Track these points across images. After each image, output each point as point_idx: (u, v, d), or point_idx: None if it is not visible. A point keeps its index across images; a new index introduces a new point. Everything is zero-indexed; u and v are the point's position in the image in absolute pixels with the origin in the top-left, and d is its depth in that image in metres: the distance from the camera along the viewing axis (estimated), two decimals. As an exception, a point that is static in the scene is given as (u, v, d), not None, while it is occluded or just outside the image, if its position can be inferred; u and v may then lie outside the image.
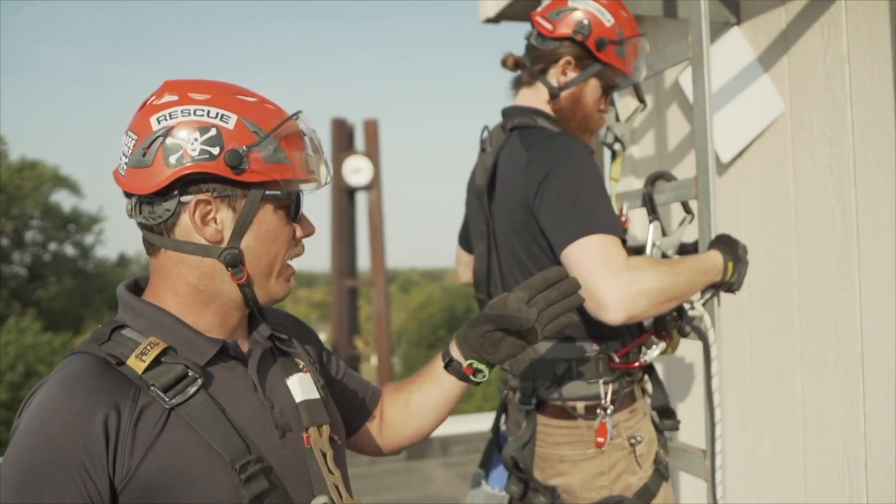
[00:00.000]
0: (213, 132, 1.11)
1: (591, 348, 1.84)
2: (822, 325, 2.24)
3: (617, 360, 1.84)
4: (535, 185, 1.76)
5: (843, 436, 2.16)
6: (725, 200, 2.63)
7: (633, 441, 1.84)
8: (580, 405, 1.84)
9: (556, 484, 1.88)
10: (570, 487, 1.86)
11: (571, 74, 1.93)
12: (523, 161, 1.81)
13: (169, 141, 1.10)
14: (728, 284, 1.86)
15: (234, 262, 1.15)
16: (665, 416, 1.96)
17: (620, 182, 2.22)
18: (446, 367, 1.40)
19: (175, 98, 1.13)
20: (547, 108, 1.95)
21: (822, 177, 2.23)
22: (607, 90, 1.98)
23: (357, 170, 19.34)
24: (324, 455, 1.20)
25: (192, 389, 1.11)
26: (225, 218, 1.14)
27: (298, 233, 1.23)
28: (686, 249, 2.00)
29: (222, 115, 1.13)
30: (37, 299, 27.81)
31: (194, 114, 1.12)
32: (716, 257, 1.82)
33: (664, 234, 2.00)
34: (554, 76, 1.94)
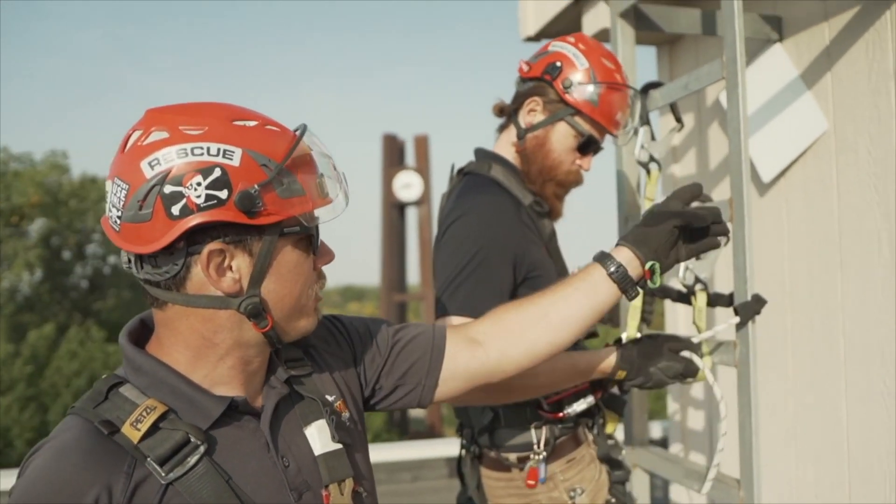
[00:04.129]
0: (217, 173, 0.96)
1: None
2: (867, 351, 2.15)
3: (546, 407, 1.79)
4: (438, 242, 1.81)
5: (891, 468, 2.06)
6: (768, 221, 2.56)
7: (572, 494, 1.80)
8: (512, 456, 1.82)
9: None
10: None
11: (539, 116, 1.86)
12: (446, 213, 1.83)
13: (167, 189, 0.95)
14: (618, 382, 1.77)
15: (257, 312, 1.04)
16: (613, 466, 1.90)
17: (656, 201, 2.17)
18: (611, 274, 1.32)
19: (165, 135, 0.98)
20: (512, 152, 1.91)
21: (866, 198, 2.15)
22: (586, 145, 1.85)
23: (407, 185, 19.47)
24: None
25: (193, 459, 0.99)
26: (241, 264, 1.02)
27: (319, 263, 1.13)
28: (720, 299, 1.94)
29: (224, 151, 0.98)
30: (97, 310, 28.64)
31: (192, 153, 0.96)
32: (604, 358, 1.71)
33: (697, 258, 1.95)
34: (522, 117, 1.89)
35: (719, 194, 2.57)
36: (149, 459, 0.97)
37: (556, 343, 1.35)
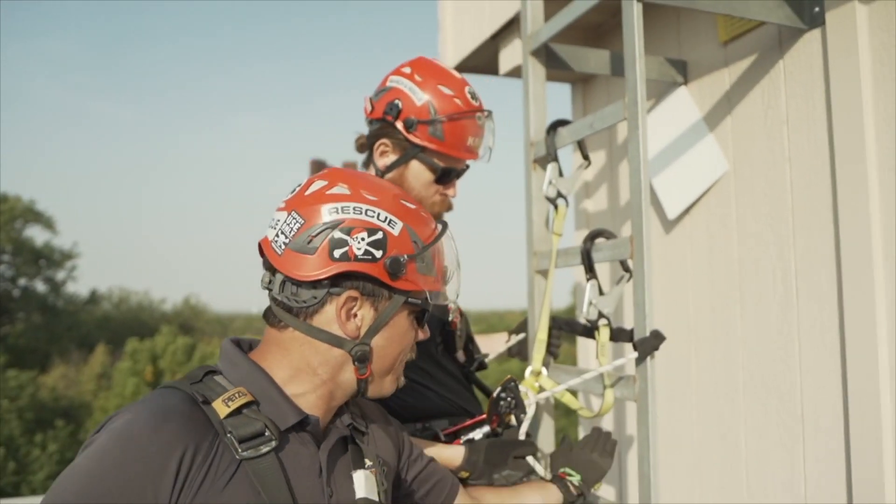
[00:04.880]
0: (379, 235, 1.16)
1: (416, 426, 1.81)
2: (764, 384, 2.23)
3: (443, 438, 1.80)
4: None
5: (785, 498, 2.13)
6: (673, 258, 2.63)
7: None
8: None
9: None
10: None
11: (391, 157, 1.85)
12: None
13: (337, 234, 1.14)
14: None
15: (364, 358, 1.19)
16: None
17: (563, 238, 2.21)
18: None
19: (347, 192, 1.18)
20: None
21: (763, 237, 2.24)
22: (444, 175, 1.85)
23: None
24: None
25: (265, 449, 1.12)
26: (366, 315, 1.18)
27: (420, 336, 1.28)
28: (622, 334, 1.97)
29: (390, 220, 1.18)
30: (3, 335, 27.29)
31: (366, 213, 1.16)
32: (450, 455, 1.74)
33: (601, 293, 1.99)
34: (376, 158, 1.87)
35: (628, 230, 2.63)
36: (230, 435, 1.10)
37: None
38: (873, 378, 1.83)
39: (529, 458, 1.75)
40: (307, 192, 1.19)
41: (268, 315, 1.22)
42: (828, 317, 2.01)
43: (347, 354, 1.19)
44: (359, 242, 1.14)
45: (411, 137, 1.81)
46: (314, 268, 1.14)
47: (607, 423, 3.03)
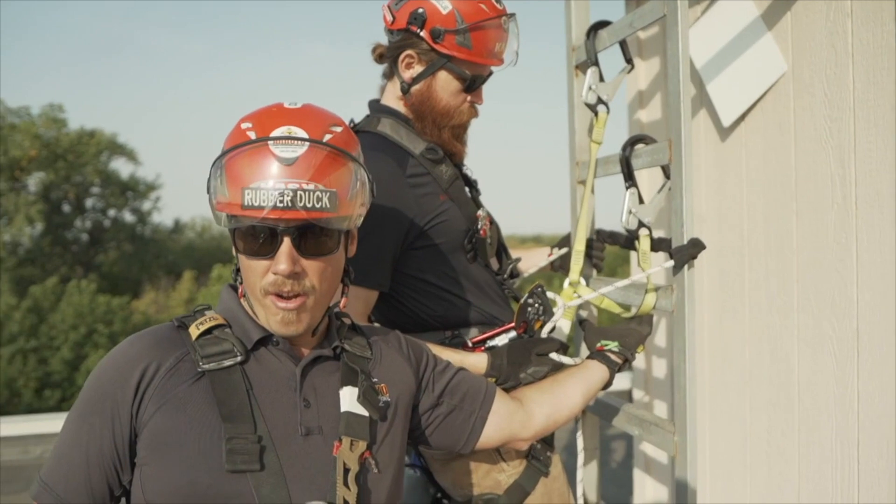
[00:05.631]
0: None
1: (445, 335, 1.81)
2: (819, 298, 2.12)
3: (470, 344, 1.79)
4: None
5: (837, 414, 2.05)
6: (728, 167, 2.51)
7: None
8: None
9: (438, 480, 1.88)
10: (445, 485, 1.85)
11: (417, 68, 1.81)
12: None
13: None
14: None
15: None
16: None
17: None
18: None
19: None
20: (400, 104, 1.87)
21: (822, 142, 2.09)
22: (473, 83, 1.81)
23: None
24: (346, 470, 1.20)
25: (228, 362, 1.22)
26: None
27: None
28: (662, 244, 1.88)
29: None
30: (98, 264, 28.77)
31: None
32: (474, 362, 1.72)
33: (641, 201, 1.91)
34: (401, 70, 1.83)
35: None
36: (197, 352, 1.22)
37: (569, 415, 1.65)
38: (932, 287, 1.71)
39: (553, 354, 1.72)
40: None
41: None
42: (888, 226, 1.89)
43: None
44: None
45: (438, 47, 1.75)
46: None
47: (661, 339, 2.98)
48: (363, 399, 1.27)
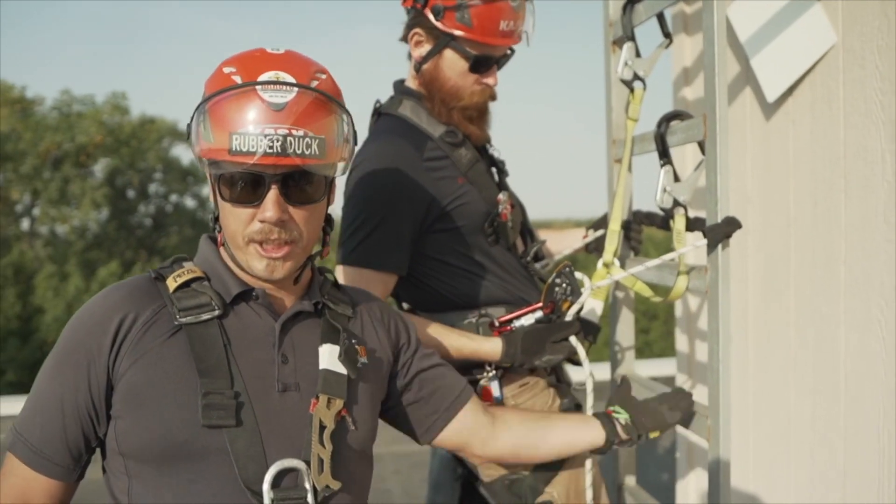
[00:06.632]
0: None
1: (471, 314, 1.79)
2: (867, 279, 2.03)
3: (497, 324, 1.76)
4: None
5: (883, 401, 1.97)
6: (774, 144, 2.42)
7: None
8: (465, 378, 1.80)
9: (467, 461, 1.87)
10: (473, 466, 1.84)
11: (426, 47, 1.79)
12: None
13: None
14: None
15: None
16: (561, 394, 1.89)
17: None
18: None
19: None
20: (418, 84, 1.85)
21: (872, 116, 2.00)
22: (481, 63, 1.77)
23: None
24: (322, 427, 1.19)
25: (206, 316, 1.20)
26: None
27: None
28: (698, 223, 1.82)
29: None
30: (161, 248, 29.56)
31: None
32: (488, 349, 1.71)
33: (677, 179, 1.86)
34: (412, 49, 1.82)
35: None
36: (174, 305, 1.21)
37: (538, 456, 1.60)
38: None
39: (571, 339, 1.69)
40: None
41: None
42: (941, 203, 1.79)
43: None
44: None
45: (440, 25, 1.73)
46: None
47: (705, 322, 2.90)
48: (344, 357, 1.25)
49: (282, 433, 1.18)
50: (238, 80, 1.15)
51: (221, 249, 1.28)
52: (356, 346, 1.30)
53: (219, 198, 1.21)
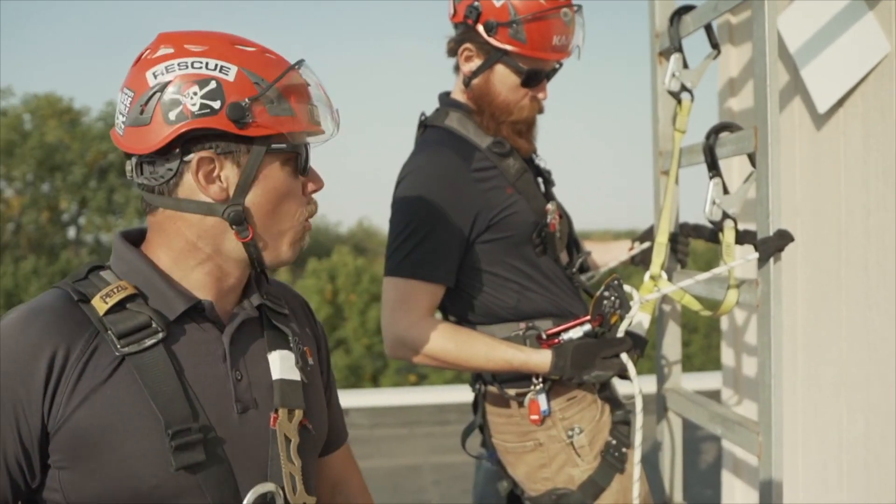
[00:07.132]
0: (212, 85, 1.05)
1: (519, 327, 1.78)
2: (923, 295, 1.98)
3: (545, 336, 1.75)
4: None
5: (941, 420, 1.92)
6: (824, 156, 2.38)
7: (570, 433, 1.77)
8: (511, 391, 1.80)
9: (511, 473, 1.87)
10: (518, 479, 1.85)
11: (476, 62, 1.80)
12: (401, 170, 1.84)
13: (167, 96, 1.05)
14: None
15: (239, 220, 1.09)
16: (614, 406, 1.87)
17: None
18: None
19: (171, 51, 1.08)
20: (466, 98, 1.85)
21: (928, 127, 1.95)
22: (532, 78, 1.78)
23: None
24: (287, 441, 1.13)
25: (150, 342, 1.06)
26: (230, 175, 1.09)
27: (309, 188, 1.18)
28: (748, 236, 1.80)
29: (221, 67, 1.06)
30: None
31: (192, 66, 1.05)
32: (538, 362, 1.70)
33: (726, 191, 1.83)
34: (462, 64, 1.83)
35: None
36: (109, 332, 1.05)
37: None
38: None
39: (623, 355, 1.68)
40: (135, 65, 1.10)
41: (143, 204, 1.15)
42: None
43: (223, 220, 1.09)
44: (192, 98, 1.04)
45: (493, 41, 1.74)
46: (155, 138, 1.05)
47: (752, 336, 2.86)
48: (296, 362, 1.19)
49: (248, 456, 1.11)
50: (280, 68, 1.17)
51: (162, 256, 1.13)
52: (303, 348, 1.23)
53: (274, 183, 1.12)
